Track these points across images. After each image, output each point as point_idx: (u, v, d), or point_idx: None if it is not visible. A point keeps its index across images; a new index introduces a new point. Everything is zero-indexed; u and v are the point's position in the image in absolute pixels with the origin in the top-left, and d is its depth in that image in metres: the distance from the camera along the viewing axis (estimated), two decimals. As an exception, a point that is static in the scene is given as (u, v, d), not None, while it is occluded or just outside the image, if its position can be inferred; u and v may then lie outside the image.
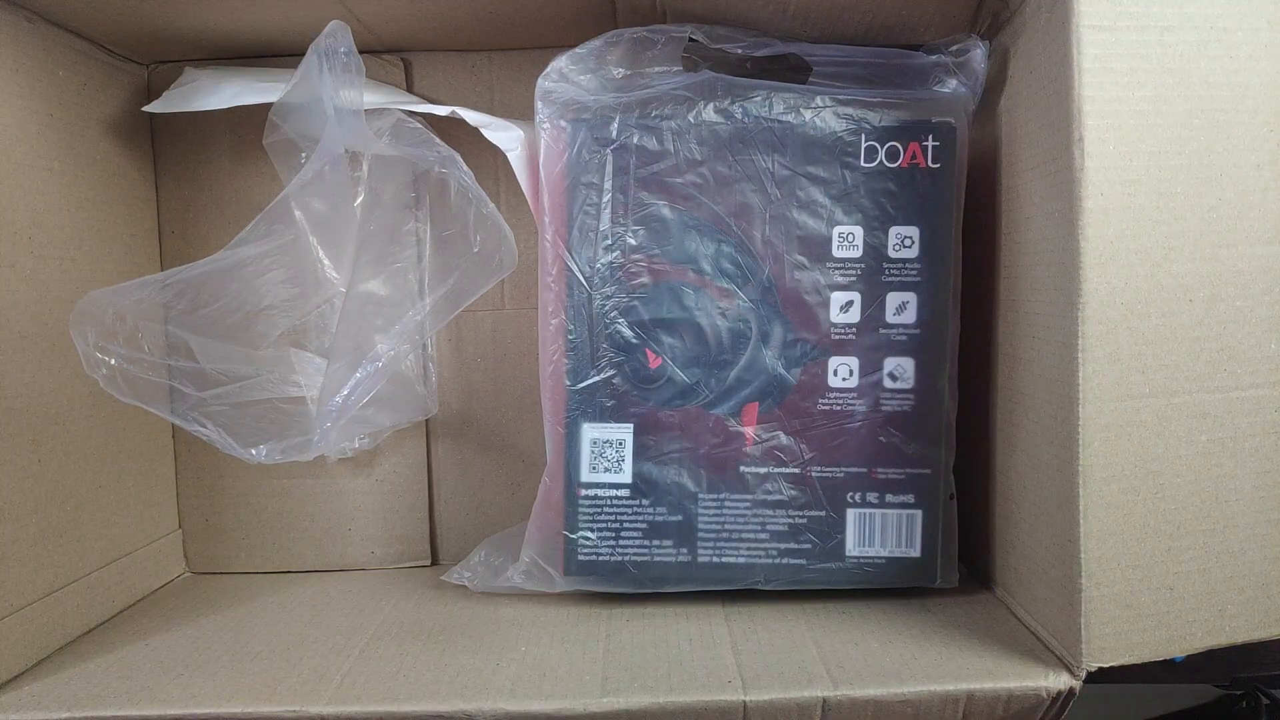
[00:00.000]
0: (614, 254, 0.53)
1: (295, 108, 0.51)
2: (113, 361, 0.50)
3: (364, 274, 0.57)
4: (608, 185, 0.53)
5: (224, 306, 0.55)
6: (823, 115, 0.53)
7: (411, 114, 0.56)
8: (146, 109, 0.58)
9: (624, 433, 0.54)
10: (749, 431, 0.54)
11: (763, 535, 0.54)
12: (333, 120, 0.49)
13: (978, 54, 0.53)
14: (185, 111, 0.57)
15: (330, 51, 0.49)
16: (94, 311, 0.50)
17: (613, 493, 0.54)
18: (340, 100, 0.49)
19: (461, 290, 0.55)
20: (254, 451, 0.53)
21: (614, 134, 0.53)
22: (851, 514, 0.54)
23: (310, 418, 0.57)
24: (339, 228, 0.56)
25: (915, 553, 0.54)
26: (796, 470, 0.54)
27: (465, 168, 0.54)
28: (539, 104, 0.53)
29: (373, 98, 0.55)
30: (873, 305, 0.53)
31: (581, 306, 0.53)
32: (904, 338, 0.53)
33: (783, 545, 0.54)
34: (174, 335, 0.54)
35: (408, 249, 0.60)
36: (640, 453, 0.54)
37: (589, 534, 0.54)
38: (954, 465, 0.54)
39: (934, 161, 0.52)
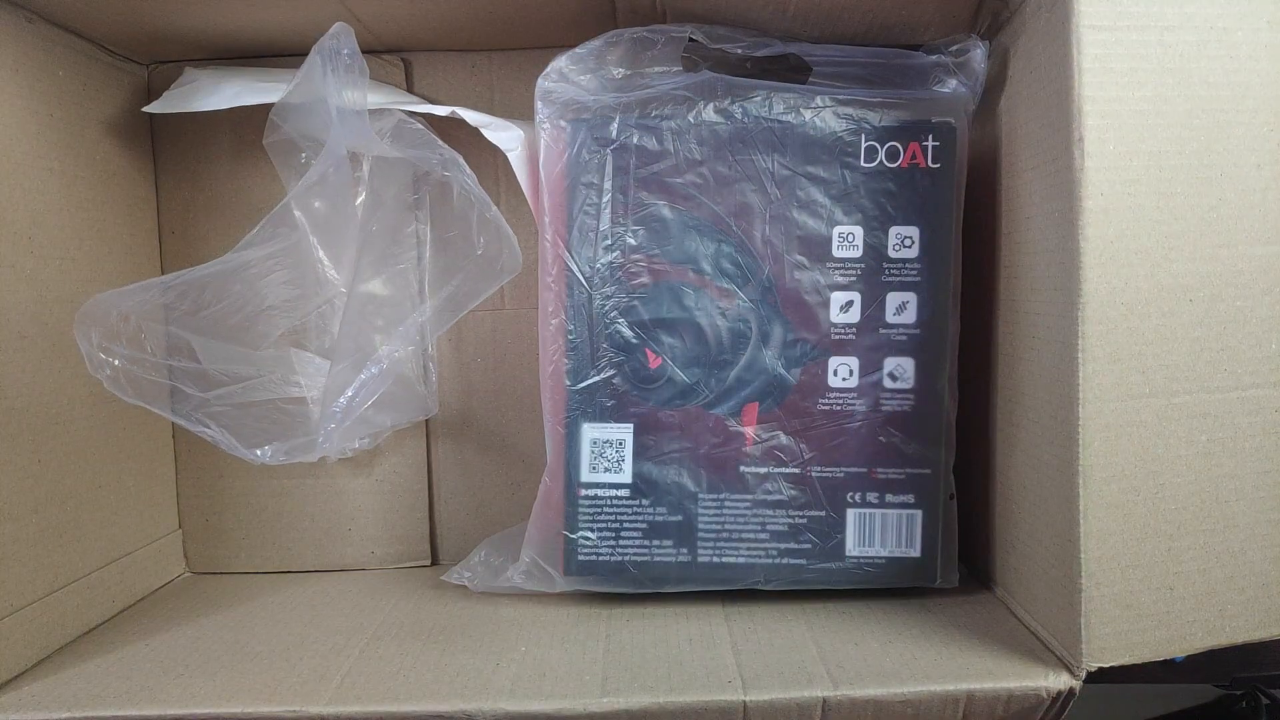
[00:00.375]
0: (614, 254, 0.53)
1: (296, 108, 0.52)
2: (116, 362, 0.50)
3: (366, 275, 0.57)
4: (608, 185, 0.53)
5: (226, 307, 0.55)
6: (823, 115, 0.53)
7: (412, 114, 0.56)
8: (146, 109, 0.58)
9: (624, 433, 0.54)
10: (749, 431, 0.54)
11: (763, 535, 0.54)
12: (337, 122, 0.49)
13: (978, 54, 0.53)
14: (185, 112, 0.57)
15: (334, 53, 0.49)
16: (98, 313, 0.50)
17: (613, 493, 0.54)
18: (344, 102, 0.49)
19: (465, 293, 0.55)
20: (259, 453, 0.53)
21: (614, 134, 0.53)
22: (851, 514, 0.54)
23: (311, 418, 0.57)
24: (340, 228, 0.56)
25: (915, 553, 0.54)
26: (796, 470, 0.54)
27: (468, 170, 0.53)
28: (539, 104, 0.53)
29: (373, 98, 0.55)
30: (873, 305, 0.53)
31: (581, 306, 0.53)
32: (904, 338, 0.53)
33: (783, 545, 0.54)
34: (176, 336, 0.54)
35: (410, 250, 0.60)
36: (640, 453, 0.54)
37: (589, 534, 0.54)
38: (954, 465, 0.54)
39: (934, 161, 0.52)
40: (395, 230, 0.60)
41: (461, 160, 0.54)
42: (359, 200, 0.58)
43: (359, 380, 0.53)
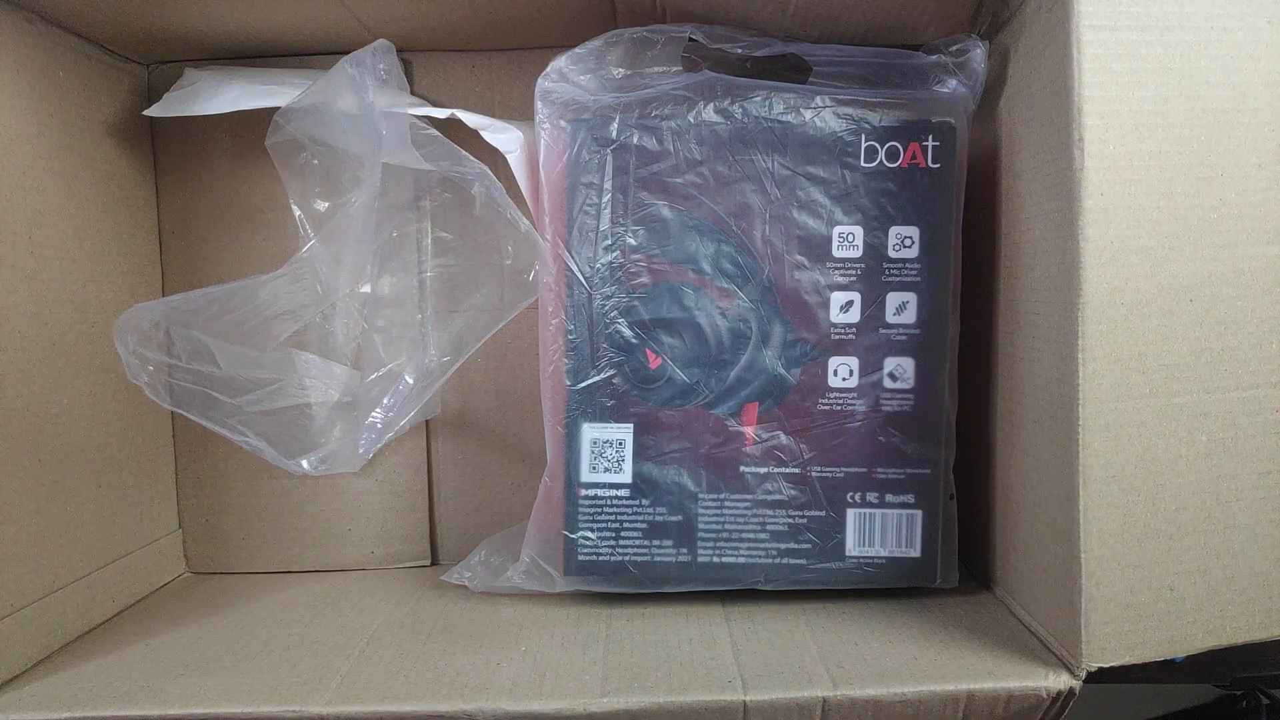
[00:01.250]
0: (614, 254, 0.53)
1: (305, 111, 0.51)
2: (151, 368, 0.50)
3: (384, 283, 0.57)
4: (608, 185, 0.53)
5: (246, 313, 0.55)
6: (823, 115, 0.53)
7: (422, 119, 0.56)
8: (147, 113, 0.57)
9: (624, 433, 0.54)
10: (749, 431, 0.54)
11: (763, 535, 0.54)
12: (385, 138, 0.49)
13: (978, 54, 0.53)
14: (185, 114, 0.57)
15: (371, 67, 0.50)
16: (134, 320, 0.51)
17: (613, 493, 0.54)
18: (388, 119, 0.50)
19: (497, 307, 0.55)
20: (304, 464, 0.53)
21: (614, 134, 0.53)
22: (851, 514, 0.54)
23: (314, 421, 0.57)
24: (355, 234, 0.55)
25: (915, 553, 0.54)
26: (796, 470, 0.54)
27: (497, 182, 0.53)
28: (539, 104, 0.53)
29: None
30: (873, 305, 0.53)
31: (581, 306, 0.53)
32: (904, 338, 0.53)
33: (783, 545, 0.54)
34: (196, 340, 0.54)
35: (436, 259, 0.60)
36: (640, 453, 0.54)
37: (589, 534, 0.54)
38: (954, 465, 0.54)
39: (934, 161, 0.52)
40: (415, 238, 0.59)
41: (489, 171, 0.53)
42: (371, 206, 0.57)
43: (395, 392, 0.53)
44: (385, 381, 0.53)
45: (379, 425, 0.52)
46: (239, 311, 0.54)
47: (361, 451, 0.52)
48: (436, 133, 0.55)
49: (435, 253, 0.60)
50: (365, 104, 0.50)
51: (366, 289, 0.58)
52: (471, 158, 0.53)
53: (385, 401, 0.53)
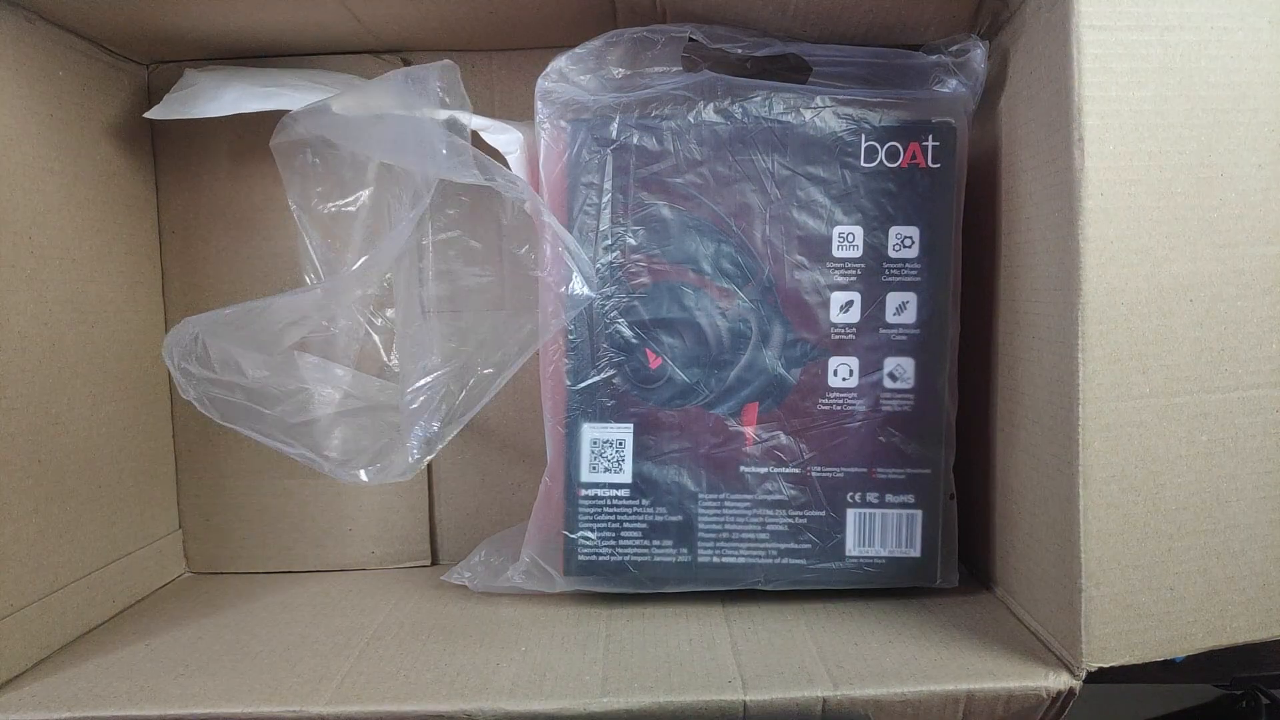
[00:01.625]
0: (614, 254, 0.53)
1: (313, 115, 0.51)
2: (197, 382, 0.50)
3: (413, 293, 0.57)
4: (608, 185, 0.53)
5: (268, 320, 0.55)
6: (823, 115, 0.53)
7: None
8: (147, 115, 0.57)
9: (624, 433, 0.54)
10: (749, 431, 0.54)
11: (763, 535, 0.54)
12: (445, 159, 0.49)
13: (978, 54, 0.53)
14: (185, 116, 0.57)
15: (432, 85, 0.50)
16: (180, 334, 0.51)
17: (613, 493, 0.54)
18: (452, 141, 0.50)
19: (543, 317, 0.55)
20: (362, 474, 0.53)
21: (614, 134, 0.53)
22: (851, 514, 0.54)
23: (316, 428, 0.57)
24: (401, 247, 0.55)
25: (915, 553, 0.54)
26: (796, 470, 0.54)
27: (538, 195, 0.53)
28: (539, 104, 0.53)
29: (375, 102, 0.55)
30: (873, 305, 0.53)
31: (581, 306, 0.53)
32: (904, 338, 0.53)
33: (783, 545, 0.54)
34: (227, 351, 0.54)
35: (468, 267, 0.59)
36: (640, 453, 0.54)
37: (589, 534, 0.54)
38: (954, 465, 0.54)
39: (934, 161, 0.52)
40: (443, 247, 0.59)
41: (529, 184, 0.53)
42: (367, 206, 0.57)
43: (441, 401, 0.53)
44: (431, 391, 0.53)
45: (426, 436, 0.52)
46: (262, 321, 0.54)
47: (413, 460, 0.52)
48: (473, 146, 0.54)
49: (466, 261, 0.60)
50: (422, 122, 0.50)
51: (389, 296, 0.58)
52: (514, 173, 0.53)
53: (431, 410, 0.53)
